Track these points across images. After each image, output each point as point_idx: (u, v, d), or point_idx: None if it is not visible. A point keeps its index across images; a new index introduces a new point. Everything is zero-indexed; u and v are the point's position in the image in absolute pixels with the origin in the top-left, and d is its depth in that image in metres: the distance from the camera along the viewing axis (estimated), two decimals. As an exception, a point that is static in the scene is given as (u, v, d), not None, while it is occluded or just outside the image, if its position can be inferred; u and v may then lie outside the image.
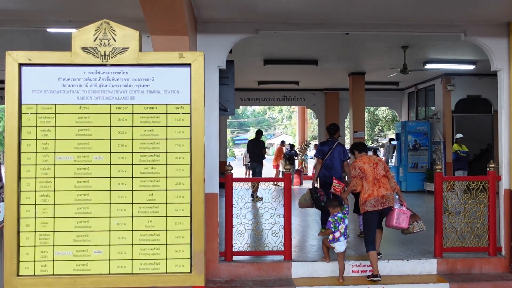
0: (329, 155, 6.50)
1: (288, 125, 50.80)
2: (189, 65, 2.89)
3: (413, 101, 15.11)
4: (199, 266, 2.83)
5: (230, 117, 24.49)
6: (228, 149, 21.86)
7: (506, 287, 4.97)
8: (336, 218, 5.03)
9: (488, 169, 5.44)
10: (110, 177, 2.86)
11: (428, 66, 10.55)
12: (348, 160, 6.60)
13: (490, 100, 12.45)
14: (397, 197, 5.26)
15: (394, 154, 14.04)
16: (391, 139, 16.06)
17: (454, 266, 5.29)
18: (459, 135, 11.27)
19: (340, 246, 4.95)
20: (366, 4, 4.81)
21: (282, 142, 17.59)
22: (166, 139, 2.90)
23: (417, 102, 14.84)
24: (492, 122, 12.37)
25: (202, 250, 2.84)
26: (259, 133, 12.00)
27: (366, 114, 30.41)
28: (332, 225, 5.01)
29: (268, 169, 17.37)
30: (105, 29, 2.87)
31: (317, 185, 6.68)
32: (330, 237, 4.99)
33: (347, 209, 5.21)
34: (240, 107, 22.71)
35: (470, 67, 10.44)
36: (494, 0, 4.65)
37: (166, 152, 2.89)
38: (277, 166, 17.07)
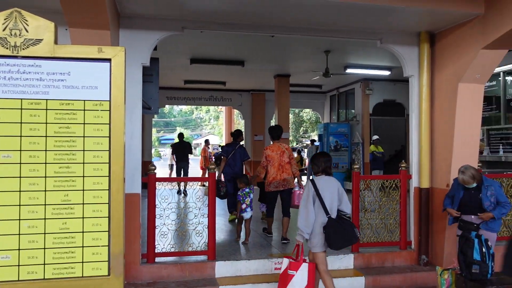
0: (232, 155, 7.75)
1: (215, 125, 50.72)
2: (109, 60, 2.79)
3: (335, 104, 15.77)
4: (117, 268, 2.74)
5: (155, 116, 23.91)
6: (153, 149, 21.36)
7: (414, 277, 5.35)
8: (244, 192, 6.26)
9: (400, 168, 5.82)
10: (20, 177, 2.68)
11: (348, 70, 11.06)
12: (248, 160, 7.85)
13: (403, 104, 13.33)
14: (296, 180, 6.42)
15: (317, 155, 14.52)
16: (312, 140, 16.59)
17: (369, 260, 5.59)
18: (375, 137, 11.95)
19: (247, 214, 6.23)
20: (290, 8, 4.93)
21: (206, 141, 17.53)
22: (84, 137, 2.77)
23: (339, 104, 15.51)
24: (405, 125, 13.25)
25: (121, 252, 2.75)
26: (181, 135, 13.10)
27: (291, 116, 31.27)
28: (241, 198, 6.23)
29: (195, 169, 17.18)
30: (16, 18, 2.69)
31: (222, 178, 7.70)
32: (242, 207, 6.20)
33: (252, 187, 6.45)
34: (166, 106, 22.28)
35: (386, 73, 11.11)
36: (407, 11, 4.97)
37: (83, 150, 2.77)
38: (204, 168, 16.95)
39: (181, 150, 12.36)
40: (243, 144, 8.36)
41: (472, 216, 4.54)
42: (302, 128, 33.45)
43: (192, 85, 13.88)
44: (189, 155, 12.62)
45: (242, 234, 6.31)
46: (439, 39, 5.71)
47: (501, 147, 10.35)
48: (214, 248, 5.23)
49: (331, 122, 15.46)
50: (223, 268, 5.15)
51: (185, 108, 53.14)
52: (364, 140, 13.01)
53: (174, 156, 12.82)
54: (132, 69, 4.76)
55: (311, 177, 4.77)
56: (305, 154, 20.38)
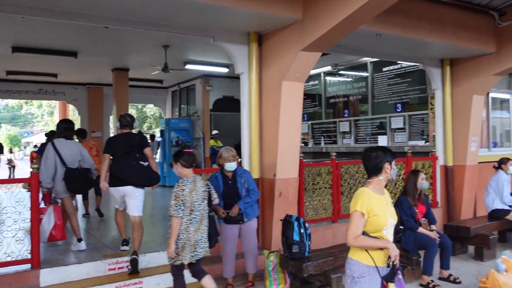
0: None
1: (50, 122, 46.13)
2: None
3: (176, 99, 15.79)
4: None
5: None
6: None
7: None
8: None
9: (233, 161, 6.10)
10: None
11: (188, 66, 11.18)
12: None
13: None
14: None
15: (159, 151, 14.39)
16: (152, 136, 16.28)
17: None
18: (215, 132, 12.35)
19: None
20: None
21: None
22: None
23: (180, 100, 15.59)
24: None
25: None
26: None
27: (134, 111, 30.29)
28: None
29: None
30: None
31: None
32: None
33: None
34: (-14, 100, 19.53)
35: (225, 70, 11.55)
36: (236, 12, 5.21)
37: None
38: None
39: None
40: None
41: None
42: (146, 124, 32.71)
43: (16, 76, 12.43)
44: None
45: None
46: (265, 40, 6.13)
47: (322, 139, 11.66)
48: (38, 255, 4.76)
49: (173, 117, 15.44)
50: (49, 276, 4.73)
51: (11, 102, 47.31)
52: (205, 135, 13.32)
53: None
54: None
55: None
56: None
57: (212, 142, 12.16)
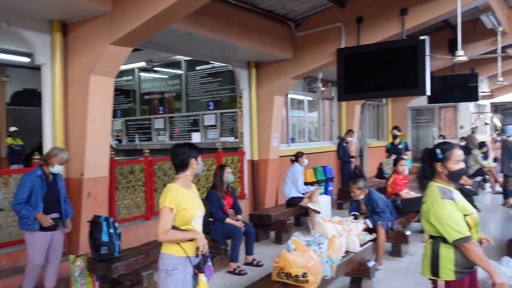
0: None
1: None
2: None
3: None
4: None
5: None
6: None
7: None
8: None
9: (32, 161, 5.52)
10: None
11: (-25, 52, 9.63)
12: None
13: (46, 94, 12.73)
14: None
15: None
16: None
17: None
18: (13, 128, 10.95)
19: None
20: None
21: None
22: None
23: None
24: (49, 115, 12.70)
25: None
26: None
27: None
28: None
29: None
30: None
31: None
32: None
33: None
34: None
35: (25, 59, 10.30)
36: (34, -4, 4.73)
37: None
38: None
39: None
40: None
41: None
42: None
43: None
44: None
45: None
46: (72, 30, 5.70)
47: (137, 136, 11.45)
48: None
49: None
50: None
51: None
52: (0, 133, 11.68)
53: None
54: None
55: None
56: None
57: (9, 140, 10.73)
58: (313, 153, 10.54)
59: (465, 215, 2.79)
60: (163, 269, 3.02)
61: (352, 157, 11.02)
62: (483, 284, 3.00)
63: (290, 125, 10.44)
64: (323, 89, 10.78)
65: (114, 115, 11.53)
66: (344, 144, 10.89)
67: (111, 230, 4.54)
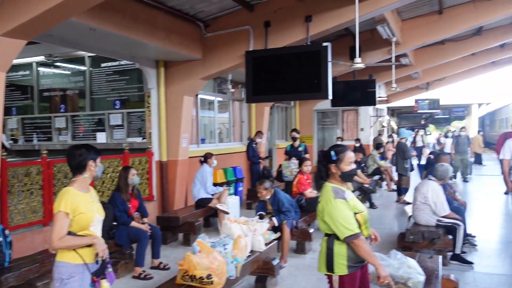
0: None
1: None
2: None
3: None
4: None
5: None
6: None
7: None
8: None
9: None
10: None
11: None
12: None
13: None
14: None
15: None
16: None
17: None
18: None
19: None
20: None
21: None
22: None
23: None
24: None
25: None
26: None
27: None
28: None
29: None
30: None
31: None
32: None
33: None
34: None
35: None
36: None
37: None
38: None
39: None
40: None
41: None
42: None
43: None
44: None
45: None
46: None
47: (35, 136, 10.66)
48: None
49: None
50: None
51: None
52: None
53: None
54: None
55: None
56: None
57: None
58: (224, 154, 10.61)
59: (355, 213, 2.99)
60: (58, 278, 2.87)
61: (263, 158, 11.25)
62: (373, 277, 3.23)
63: (200, 125, 10.40)
64: (232, 90, 10.87)
65: (8, 112, 10.63)
66: (254, 145, 11.10)
67: (1, 239, 4.17)
